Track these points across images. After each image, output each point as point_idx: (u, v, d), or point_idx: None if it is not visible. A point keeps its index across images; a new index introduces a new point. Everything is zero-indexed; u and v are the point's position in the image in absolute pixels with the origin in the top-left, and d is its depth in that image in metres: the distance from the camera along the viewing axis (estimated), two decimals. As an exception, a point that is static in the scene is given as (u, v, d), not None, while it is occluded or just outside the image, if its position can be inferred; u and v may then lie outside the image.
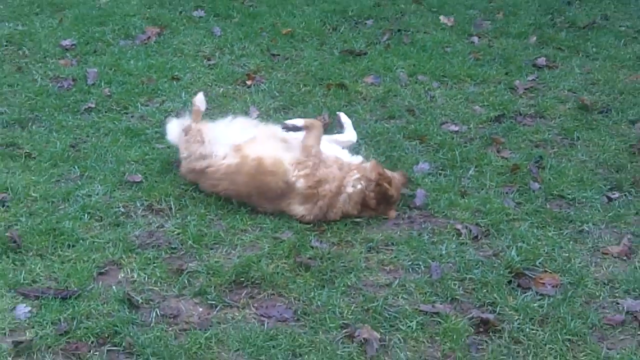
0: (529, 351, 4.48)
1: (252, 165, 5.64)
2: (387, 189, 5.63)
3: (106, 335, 4.45)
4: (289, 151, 5.76)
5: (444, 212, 5.76)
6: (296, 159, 5.67)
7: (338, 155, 5.89)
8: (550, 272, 5.14)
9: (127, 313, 4.63)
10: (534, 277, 5.09)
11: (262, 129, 6.02)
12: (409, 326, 4.63)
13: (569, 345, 4.53)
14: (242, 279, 4.97)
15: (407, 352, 4.45)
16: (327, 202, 5.58)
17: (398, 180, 5.80)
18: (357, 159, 5.92)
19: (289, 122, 6.00)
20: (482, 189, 6.07)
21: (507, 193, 6.03)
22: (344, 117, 6.49)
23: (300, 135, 5.88)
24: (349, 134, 6.35)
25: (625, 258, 5.34)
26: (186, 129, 5.98)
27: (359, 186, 5.64)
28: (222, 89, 7.60)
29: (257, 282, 4.97)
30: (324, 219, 5.59)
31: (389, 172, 5.78)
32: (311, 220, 5.56)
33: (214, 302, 4.79)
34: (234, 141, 5.82)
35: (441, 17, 9.61)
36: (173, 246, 5.28)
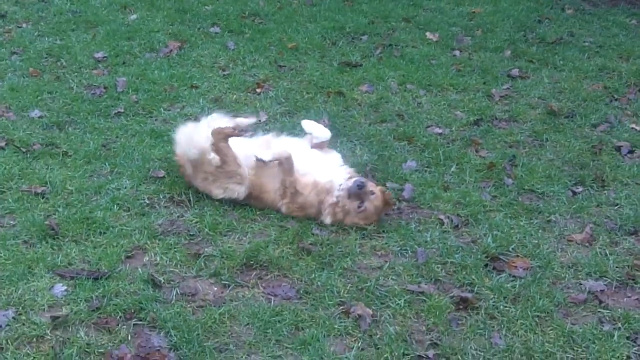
0: (502, 326, 4.48)
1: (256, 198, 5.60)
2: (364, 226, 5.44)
3: (132, 311, 4.45)
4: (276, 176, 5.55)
5: (428, 204, 5.75)
6: (277, 189, 5.52)
7: (317, 178, 5.53)
8: (522, 257, 5.13)
9: (151, 292, 4.63)
10: (507, 261, 5.09)
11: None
12: (398, 304, 4.62)
13: (537, 320, 4.53)
14: (252, 262, 4.97)
15: (396, 327, 4.44)
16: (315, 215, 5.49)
17: (380, 202, 5.45)
18: (342, 174, 5.61)
19: (260, 155, 5.51)
20: (462, 184, 6.06)
21: (484, 187, 6.02)
22: (306, 124, 5.99)
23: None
24: (320, 133, 5.93)
25: (587, 244, 5.33)
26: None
27: (336, 217, 5.45)
28: (235, 96, 7.58)
29: (265, 264, 4.96)
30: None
31: (374, 190, 5.44)
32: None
33: (227, 282, 4.79)
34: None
35: (427, 33, 9.57)
36: (191, 233, 5.27)
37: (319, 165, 5.67)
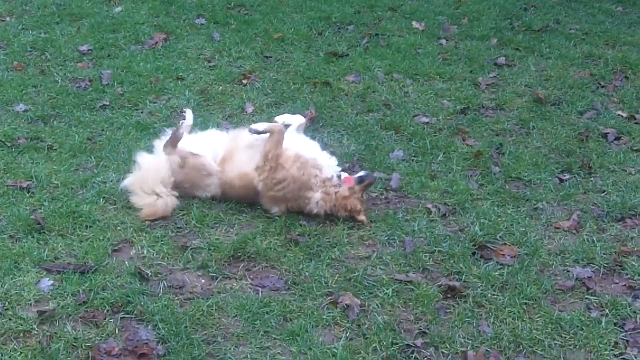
0: (490, 314, 4.49)
1: (230, 187, 5.48)
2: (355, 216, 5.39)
3: (120, 305, 4.43)
4: (253, 158, 5.47)
5: (416, 193, 5.75)
6: (256, 164, 5.42)
7: (299, 152, 5.45)
8: (509, 245, 5.14)
9: (138, 285, 4.61)
10: (494, 249, 5.10)
11: (231, 140, 5.68)
12: (386, 293, 4.62)
13: (525, 308, 4.54)
14: (240, 254, 4.95)
15: (384, 316, 4.44)
16: (296, 203, 5.37)
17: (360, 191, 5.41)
18: (329, 165, 5.52)
19: (253, 126, 5.55)
20: (450, 173, 6.06)
21: (471, 176, 6.02)
22: (280, 118, 5.83)
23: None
24: (296, 120, 5.84)
25: (574, 232, 5.35)
26: (182, 161, 5.52)
27: (322, 210, 5.39)
28: (221, 87, 7.54)
29: (252, 256, 4.95)
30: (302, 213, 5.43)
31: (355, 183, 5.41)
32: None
33: (214, 274, 4.77)
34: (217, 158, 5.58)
35: (413, 23, 9.56)
36: (178, 226, 5.25)
37: (303, 144, 5.62)
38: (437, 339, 4.27)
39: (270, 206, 5.41)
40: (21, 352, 4.05)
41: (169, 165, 5.48)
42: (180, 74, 7.79)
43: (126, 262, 4.82)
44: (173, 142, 5.55)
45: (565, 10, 10.32)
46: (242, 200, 5.49)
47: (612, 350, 4.24)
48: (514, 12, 10.12)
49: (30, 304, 4.42)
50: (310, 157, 5.45)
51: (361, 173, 5.50)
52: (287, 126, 5.72)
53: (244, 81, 7.68)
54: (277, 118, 5.88)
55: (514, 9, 10.27)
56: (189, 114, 5.80)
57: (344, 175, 5.51)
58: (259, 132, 5.51)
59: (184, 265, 4.86)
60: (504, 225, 5.34)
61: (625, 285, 4.81)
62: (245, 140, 5.60)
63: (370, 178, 5.44)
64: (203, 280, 4.74)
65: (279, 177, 5.35)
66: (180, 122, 5.73)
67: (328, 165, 5.50)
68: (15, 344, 4.11)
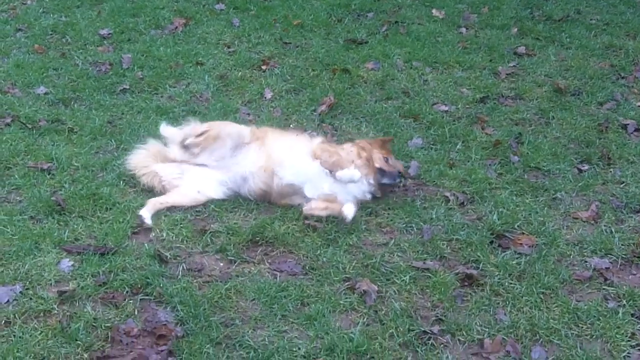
0: (507, 302, 4.49)
1: None
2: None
3: (139, 286, 4.47)
4: None
5: (434, 181, 5.75)
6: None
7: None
8: (527, 234, 5.13)
9: (158, 267, 4.64)
10: (512, 238, 5.09)
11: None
12: (403, 280, 4.63)
13: (542, 297, 4.54)
14: (258, 238, 4.98)
15: (401, 302, 4.45)
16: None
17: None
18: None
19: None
20: (468, 161, 6.05)
21: (490, 165, 6.01)
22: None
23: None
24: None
25: (593, 222, 5.33)
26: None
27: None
28: (240, 73, 7.55)
29: (270, 241, 4.97)
30: None
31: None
32: None
33: (233, 258, 4.80)
34: None
35: (433, 11, 9.52)
36: (197, 210, 5.27)
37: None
38: (454, 326, 4.28)
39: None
40: (41, 332, 4.10)
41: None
42: (200, 59, 7.81)
43: (146, 245, 4.86)
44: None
45: (586, 0, 10.24)
46: None
47: (629, 341, 4.23)
48: (534, 1, 10.04)
49: (51, 284, 4.47)
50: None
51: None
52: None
53: (263, 67, 7.69)
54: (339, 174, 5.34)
55: (535, -2, 10.22)
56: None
57: None
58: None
59: (203, 248, 4.89)
60: (522, 215, 5.33)
61: (643, 276, 4.80)
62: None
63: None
64: (221, 264, 4.77)
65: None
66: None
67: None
68: (35, 323, 4.15)
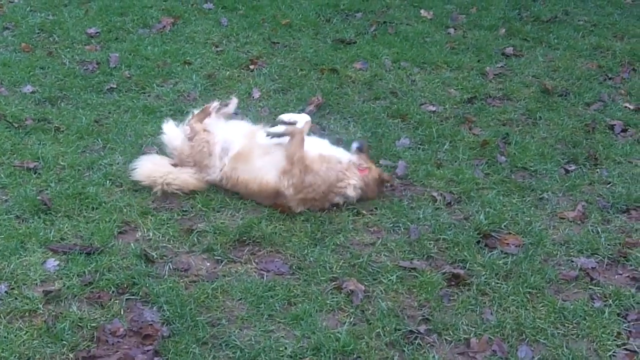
0: (494, 302, 4.50)
1: (243, 187, 5.39)
2: (387, 181, 5.54)
3: (125, 286, 4.46)
4: (274, 165, 5.33)
5: (421, 181, 5.76)
6: (282, 169, 5.26)
7: (322, 152, 5.41)
8: (514, 234, 5.15)
9: (144, 267, 4.63)
10: (499, 238, 5.10)
11: (248, 137, 5.57)
12: (390, 279, 4.64)
13: (529, 297, 4.55)
14: (245, 238, 4.97)
15: (388, 302, 4.46)
16: (322, 201, 5.29)
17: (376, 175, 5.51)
18: (344, 155, 5.50)
19: (271, 129, 5.47)
20: (456, 161, 6.06)
21: (477, 165, 6.03)
22: (284, 118, 5.61)
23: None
24: (300, 118, 5.57)
25: (579, 222, 5.35)
26: (191, 133, 5.65)
27: (359, 191, 5.38)
28: (228, 72, 7.55)
29: (257, 240, 4.96)
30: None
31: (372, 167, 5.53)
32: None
33: (219, 258, 4.79)
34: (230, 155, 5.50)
35: (422, 11, 9.54)
36: (184, 209, 5.27)
37: (317, 143, 5.58)
38: (441, 325, 4.29)
39: (297, 207, 5.25)
40: (27, 331, 4.08)
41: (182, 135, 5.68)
42: (188, 58, 7.80)
43: (132, 244, 4.84)
44: (202, 114, 5.78)
45: (574, 1, 10.28)
46: (249, 198, 5.40)
47: (615, 340, 4.24)
48: (522, 2, 10.08)
49: (36, 283, 4.45)
50: (331, 155, 5.43)
51: (355, 144, 5.62)
52: (292, 124, 5.53)
53: (251, 67, 7.68)
54: (282, 116, 5.63)
55: (523, -1, 10.26)
56: (233, 102, 6.02)
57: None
58: (277, 136, 5.43)
59: (190, 248, 4.88)
60: (509, 215, 5.34)
61: (629, 276, 4.81)
62: (262, 142, 5.48)
63: (362, 142, 5.69)
64: (208, 264, 4.76)
65: (310, 181, 5.24)
66: (225, 102, 5.97)
67: (344, 156, 5.48)
68: (21, 323, 4.14)
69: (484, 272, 4.73)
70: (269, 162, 5.37)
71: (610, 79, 7.81)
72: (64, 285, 4.43)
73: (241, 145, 5.51)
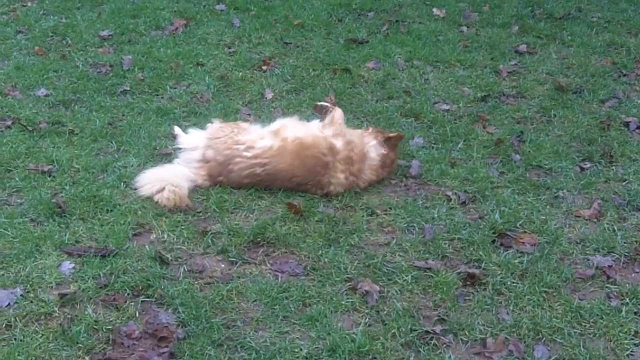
0: (510, 301, 4.47)
1: (295, 144, 5.40)
2: (399, 137, 5.80)
3: (140, 288, 4.46)
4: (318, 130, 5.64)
5: (436, 181, 5.74)
6: (325, 124, 5.71)
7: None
8: (529, 233, 5.12)
9: (159, 269, 4.63)
10: (514, 237, 5.07)
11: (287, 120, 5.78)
12: (405, 280, 4.62)
13: (545, 296, 4.52)
14: (259, 239, 4.97)
15: (403, 302, 4.44)
16: (357, 169, 5.47)
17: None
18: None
19: (319, 103, 6.16)
20: (470, 160, 6.04)
21: (491, 164, 6.00)
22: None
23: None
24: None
25: (595, 220, 5.31)
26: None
27: (381, 151, 5.65)
28: (240, 73, 7.55)
29: (272, 241, 4.96)
30: (355, 186, 5.50)
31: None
32: (345, 189, 5.47)
33: (234, 259, 4.79)
34: (268, 128, 5.65)
35: (434, 9, 9.51)
36: (198, 211, 5.26)
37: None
38: (456, 325, 4.27)
39: (338, 173, 5.43)
40: (42, 334, 4.09)
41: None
42: (201, 59, 7.80)
43: (147, 246, 4.85)
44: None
45: (587, -3, 10.23)
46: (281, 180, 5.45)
47: (632, 339, 4.21)
48: (535, -1, 10.04)
49: (52, 286, 4.46)
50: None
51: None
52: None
53: (264, 67, 7.68)
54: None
55: (536, -4, 10.20)
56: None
57: None
58: (323, 108, 6.02)
59: (204, 249, 4.88)
60: (524, 213, 5.32)
61: (646, 274, 4.79)
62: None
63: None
64: (223, 265, 4.76)
65: (349, 136, 5.59)
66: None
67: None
68: (36, 326, 4.14)
69: (499, 272, 4.71)
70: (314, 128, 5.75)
71: (624, 75, 7.76)
72: (79, 288, 4.43)
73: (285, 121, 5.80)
